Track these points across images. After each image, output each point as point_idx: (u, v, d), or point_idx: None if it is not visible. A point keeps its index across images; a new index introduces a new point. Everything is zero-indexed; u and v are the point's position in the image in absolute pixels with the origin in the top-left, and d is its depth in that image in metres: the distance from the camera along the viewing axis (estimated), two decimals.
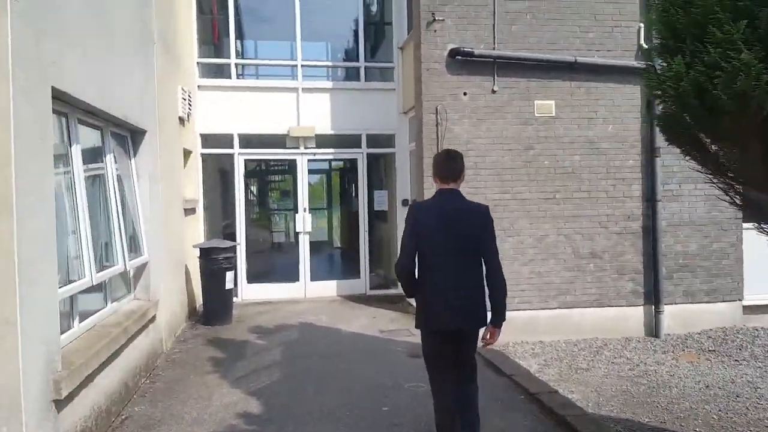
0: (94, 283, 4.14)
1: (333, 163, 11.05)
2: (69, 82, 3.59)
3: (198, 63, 8.40)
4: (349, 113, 8.78)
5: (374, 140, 8.97)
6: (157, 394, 4.87)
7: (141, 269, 5.51)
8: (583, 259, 7.88)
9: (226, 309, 7.11)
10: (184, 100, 7.26)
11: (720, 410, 4.96)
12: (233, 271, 7.14)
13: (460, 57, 7.34)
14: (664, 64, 2.98)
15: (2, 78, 2.79)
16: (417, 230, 3.11)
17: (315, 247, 9.48)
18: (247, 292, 8.47)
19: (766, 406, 5.03)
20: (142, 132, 5.49)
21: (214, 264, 6.96)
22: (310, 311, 7.82)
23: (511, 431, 4.25)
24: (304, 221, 8.58)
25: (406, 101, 8.67)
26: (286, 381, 5.08)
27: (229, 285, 7.05)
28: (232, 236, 8.47)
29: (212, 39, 9.14)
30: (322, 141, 8.83)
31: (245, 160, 8.54)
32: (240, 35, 9.21)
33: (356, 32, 8.95)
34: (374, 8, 9.53)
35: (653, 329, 7.94)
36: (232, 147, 8.50)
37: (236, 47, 8.58)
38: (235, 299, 8.30)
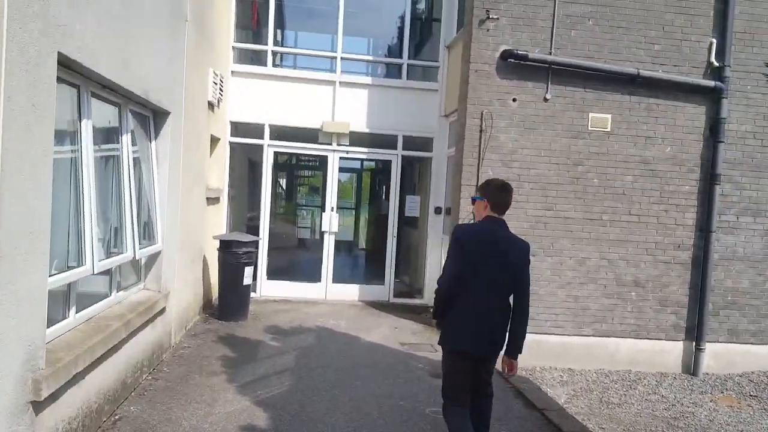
0: (96, 272, 3.73)
1: (365, 163, 10.61)
2: (80, 50, 3.18)
3: (233, 48, 8.02)
4: (386, 112, 8.27)
5: (411, 142, 8.44)
6: (157, 393, 4.46)
7: (153, 258, 5.12)
8: (625, 287, 7.22)
9: (242, 305, 6.70)
10: (215, 84, 6.87)
11: None
12: (253, 267, 6.72)
13: (512, 60, 6.76)
14: None
15: None
16: (465, 251, 3.11)
17: (340, 248, 9.03)
18: (266, 289, 8.05)
19: None
20: (166, 113, 5.10)
21: (233, 258, 6.54)
22: (329, 315, 7.35)
23: None
24: (330, 220, 8.12)
25: (448, 104, 8.12)
26: (298, 393, 4.60)
27: (247, 281, 6.63)
28: (255, 229, 8.07)
29: (251, 24, 8.76)
30: (355, 139, 8.35)
31: (275, 153, 8.12)
32: (280, 23, 8.82)
33: (401, 28, 8.43)
34: (422, 4, 9.00)
35: (691, 367, 7.28)
36: (262, 138, 8.09)
37: (274, 35, 8.17)
38: (252, 295, 7.88)
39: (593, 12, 6.95)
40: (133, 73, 4.10)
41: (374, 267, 8.67)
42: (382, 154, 8.37)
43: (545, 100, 7.03)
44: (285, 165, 10.12)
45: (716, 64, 7.13)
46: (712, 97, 7.23)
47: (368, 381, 5.00)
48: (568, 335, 7.12)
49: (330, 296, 8.13)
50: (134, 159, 4.71)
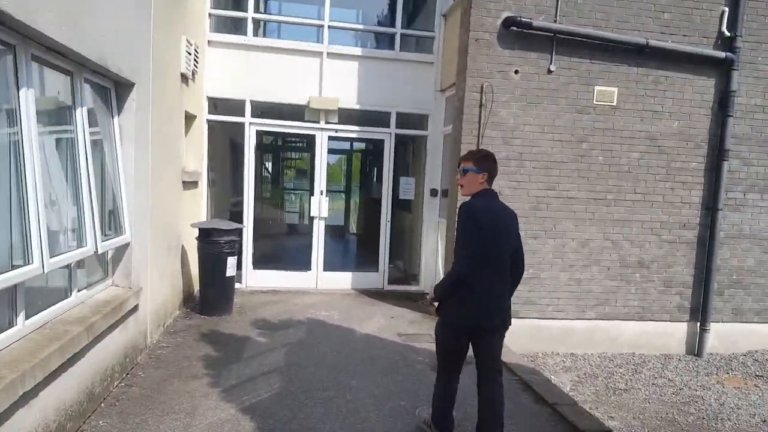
0: (46, 271, 3.10)
1: (356, 143, 9.95)
2: (15, 1, 2.50)
3: (210, 15, 7.24)
4: (378, 86, 7.61)
5: (405, 120, 7.80)
6: (130, 403, 3.87)
7: (121, 251, 4.47)
8: (629, 268, 6.78)
9: (226, 298, 6.08)
10: (189, 54, 6.14)
11: None
12: (236, 256, 6.09)
13: (515, 28, 6.15)
14: None
15: None
16: (481, 229, 3.02)
17: (330, 234, 8.43)
18: (253, 279, 7.43)
19: None
20: (129, 85, 4.40)
21: (214, 247, 5.91)
22: (321, 305, 6.78)
23: None
24: (320, 205, 7.49)
25: (445, 77, 7.49)
26: (288, 396, 4.04)
27: (230, 272, 6.01)
28: (239, 216, 7.42)
29: None
30: (345, 116, 7.69)
31: (257, 132, 7.41)
32: None
33: None
34: None
35: (695, 347, 6.94)
36: (243, 115, 7.38)
37: (256, 1, 7.40)
38: (238, 285, 7.28)
39: None
40: (86, 35, 3.40)
41: (367, 253, 8.10)
42: (374, 132, 7.72)
43: (549, 71, 6.45)
44: (270, 146, 9.41)
45: (727, 34, 6.61)
46: (722, 69, 6.73)
47: (365, 379, 4.47)
48: (570, 319, 6.69)
49: (321, 285, 7.55)
50: (93, 138, 4.03)
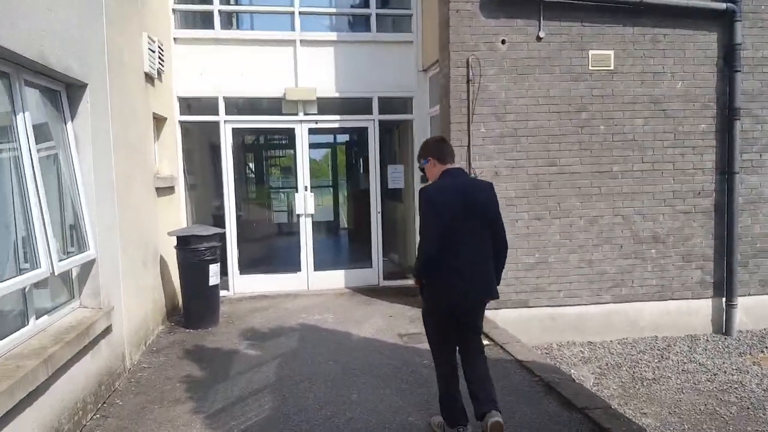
0: None
1: (339, 134, 9.65)
2: None
3: (174, 10, 6.92)
4: (357, 72, 7.30)
5: (388, 105, 7.49)
6: None
7: (87, 268, 4.18)
8: (644, 244, 6.51)
9: (211, 308, 5.80)
10: (153, 52, 5.83)
11: None
12: (219, 263, 5.81)
13: None
14: None
15: None
16: (438, 211, 3.07)
17: (319, 231, 8.15)
18: (240, 285, 7.16)
19: None
20: (82, 86, 4.09)
21: (194, 256, 5.62)
22: (313, 308, 6.51)
23: None
24: (305, 202, 7.20)
25: (426, 56, 7.18)
26: (281, 419, 3.74)
27: (213, 280, 5.73)
28: (222, 219, 7.14)
29: None
30: (325, 106, 7.38)
31: (233, 129, 7.11)
32: None
33: None
34: None
35: (723, 325, 6.65)
36: (216, 113, 7.07)
37: None
38: (225, 293, 7.02)
39: None
40: (19, 29, 3.10)
41: (360, 248, 7.82)
42: (356, 120, 7.42)
43: (538, 39, 6.15)
44: (249, 144, 9.12)
45: None
46: (724, 22, 6.42)
47: (367, 392, 4.18)
48: (584, 305, 6.42)
49: (313, 286, 7.27)
50: (44, 147, 3.73)
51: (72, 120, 4.11)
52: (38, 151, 3.61)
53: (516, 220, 6.24)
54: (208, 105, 7.12)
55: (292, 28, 7.18)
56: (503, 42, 6.09)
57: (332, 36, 7.25)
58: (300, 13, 7.13)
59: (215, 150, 7.24)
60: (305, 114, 7.21)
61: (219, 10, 7.05)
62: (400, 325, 5.89)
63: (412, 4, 7.39)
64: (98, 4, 4.38)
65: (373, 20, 7.37)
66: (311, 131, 7.29)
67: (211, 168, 7.72)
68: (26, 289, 3.37)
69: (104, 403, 4.05)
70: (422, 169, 3.36)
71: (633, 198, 6.46)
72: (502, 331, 5.52)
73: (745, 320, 6.66)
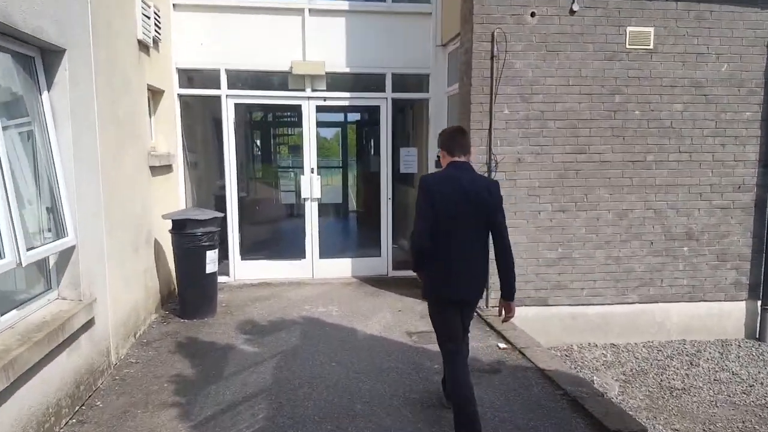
0: None
1: (349, 113, 9.11)
2: None
3: None
4: (369, 45, 6.74)
5: (402, 82, 6.94)
6: None
7: (66, 256, 3.76)
8: (676, 241, 5.99)
9: (208, 297, 5.40)
10: (148, 18, 5.33)
11: None
12: (217, 250, 5.38)
13: None
14: None
15: None
16: (433, 203, 3.03)
17: (326, 215, 7.70)
18: (241, 271, 6.75)
19: None
20: (59, 51, 3.62)
21: (190, 241, 5.20)
22: (318, 298, 6.09)
23: None
24: (311, 185, 6.72)
25: (446, 29, 6.59)
26: None
27: (211, 268, 5.31)
28: (224, 200, 6.70)
29: None
30: (334, 82, 6.86)
31: (236, 105, 6.61)
32: None
33: None
34: None
35: (757, 330, 6.17)
36: (218, 87, 6.57)
37: None
38: (226, 279, 6.62)
39: None
40: None
41: (368, 236, 7.36)
42: (367, 98, 6.87)
43: (572, 12, 5.56)
44: (252, 120, 8.61)
45: None
46: None
47: (372, 403, 3.74)
48: (609, 304, 5.95)
49: (318, 274, 6.85)
50: (13, 122, 3.29)
51: (48, 90, 3.64)
52: (6, 125, 3.16)
53: (539, 211, 5.74)
54: (209, 78, 6.62)
55: None
56: (532, 15, 5.51)
57: (344, 5, 6.68)
58: None
59: (218, 126, 6.76)
60: (313, 90, 6.69)
61: None
62: (410, 321, 5.46)
63: None
64: None
65: None
66: (319, 109, 6.78)
67: (213, 146, 7.25)
68: None
69: (83, 405, 3.67)
70: (438, 159, 3.36)
71: (667, 191, 5.92)
72: (520, 333, 5.07)
73: None
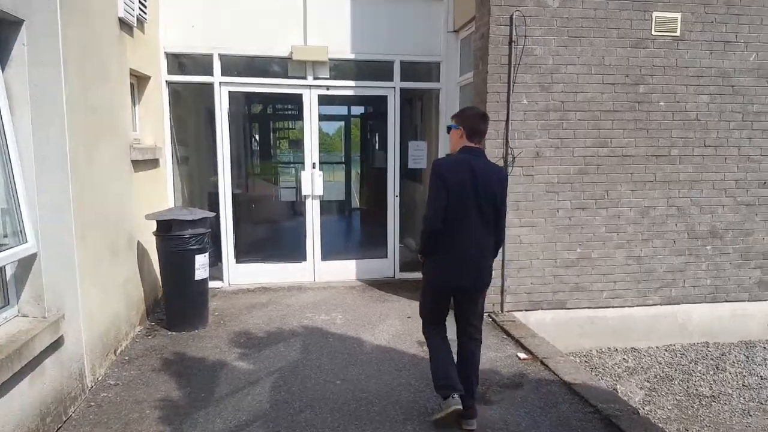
0: None
1: (353, 102, 8.35)
2: None
3: None
4: (376, 30, 6.02)
5: (411, 70, 6.21)
6: None
7: (26, 266, 3.04)
8: (699, 240, 5.38)
9: (199, 307, 4.68)
10: None
11: None
12: (207, 254, 4.66)
13: None
14: None
15: None
16: (446, 187, 2.85)
17: (328, 214, 6.98)
18: (237, 275, 6.02)
19: None
20: (15, 22, 2.88)
21: (176, 244, 4.47)
22: (320, 305, 5.39)
23: None
24: (312, 181, 6.00)
25: (459, 13, 5.87)
26: None
27: (200, 274, 4.59)
28: (217, 198, 5.96)
29: None
30: (338, 69, 6.13)
31: (230, 93, 5.86)
32: None
33: None
34: None
35: None
36: (211, 73, 5.81)
37: None
38: (219, 284, 5.91)
39: None
40: None
41: (374, 235, 6.65)
42: (374, 87, 6.14)
43: None
44: (249, 111, 7.85)
45: None
46: None
47: (383, 430, 3.10)
48: (629, 306, 5.33)
49: (320, 278, 6.14)
50: None
51: (2, 68, 2.90)
52: None
53: (557, 209, 5.08)
54: (201, 63, 5.86)
55: None
56: None
57: None
58: None
59: (211, 117, 6.01)
60: (315, 78, 5.96)
61: None
62: (420, 329, 4.77)
63: None
64: None
65: None
66: (322, 99, 6.04)
67: (207, 139, 6.50)
68: None
69: None
70: (449, 130, 3.13)
71: (691, 186, 5.29)
72: (540, 341, 4.42)
73: None
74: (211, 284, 5.72)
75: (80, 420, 3.20)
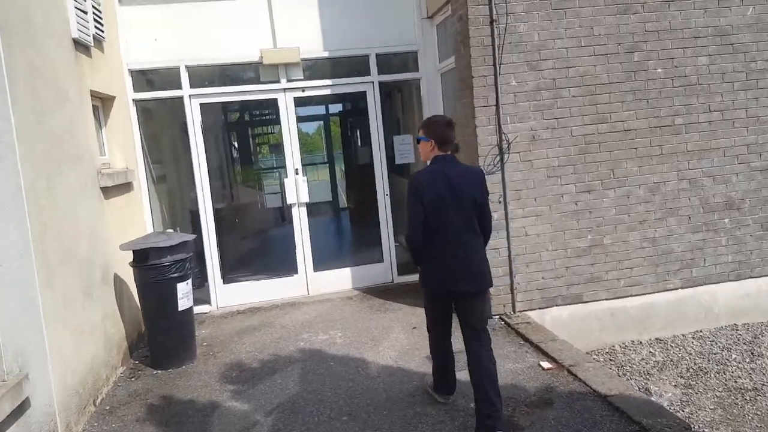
0: None
1: (331, 101, 7.94)
2: None
3: None
4: (348, 24, 5.62)
5: (388, 63, 5.83)
6: None
7: None
8: (715, 213, 5.03)
9: (184, 340, 4.29)
10: (84, 13, 4.18)
11: None
12: (189, 280, 4.28)
13: None
14: None
15: None
16: (422, 199, 2.91)
17: (316, 221, 6.60)
18: (224, 297, 5.63)
19: None
20: None
21: (155, 274, 4.09)
22: (317, 322, 5.01)
23: None
24: (297, 188, 5.62)
25: None
26: None
27: (184, 303, 4.21)
28: (198, 216, 5.58)
29: None
30: (312, 69, 5.74)
31: (201, 105, 5.47)
32: None
33: None
34: None
35: None
36: (179, 87, 5.41)
37: None
38: (206, 309, 5.55)
39: None
40: None
41: (367, 238, 6.27)
42: (352, 83, 5.74)
43: None
44: (223, 122, 7.46)
45: None
46: None
47: None
48: (649, 293, 4.97)
49: (314, 290, 5.76)
50: None
51: None
52: None
53: (561, 194, 4.72)
54: (168, 77, 5.46)
55: None
56: None
57: None
58: None
59: (185, 132, 5.61)
60: (288, 80, 5.57)
61: None
62: (427, 341, 4.41)
63: None
64: None
65: None
66: (298, 101, 5.66)
67: (183, 154, 6.11)
68: None
69: None
70: (418, 141, 3.11)
71: (700, 156, 4.93)
72: (563, 346, 4.03)
73: None
74: (198, 309, 5.40)
75: None
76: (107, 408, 3.67)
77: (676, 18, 4.78)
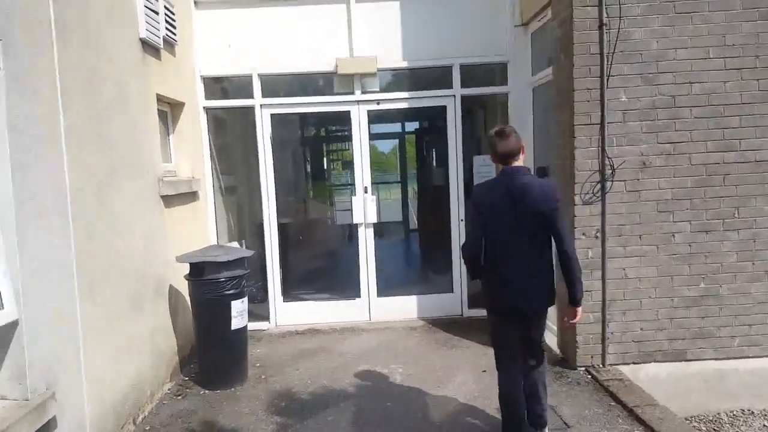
0: None
1: (407, 116, 7.53)
2: None
3: None
4: (430, 32, 5.18)
5: (472, 74, 5.30)
6: None
7: (5, 338, 2.43)
8: None
9: (236, 360, 3.96)
10: (155, 13, 4.05)
11: None
12: (244, 298, 3.95)
13: None
14: None
15: None
16: (481, 212, 2.81)
17: (384, 243, 6.14)
18: (284, 315, 5.30)
19: None
20: None
21: (210, 290, 3.80)
22: (377, 352, 4.52)
23: None
24: (365, 207, 5.21)
25: (527, 2, 4.91)
26: None
27: (237, 322, 3.89)
28: (262, 231, 5.32)
29: None
30: (388, 80, 5.35)
31: (272, 116, 5.22)
32: None
33: None
34: None
35: None
36: (251, 96, 5.21)
37: None
38: (265, 325, 5.24)
39: None
40: None
41: (436, 266, 5.72)
42: (430, 97, 5.27)
43: None
44: (296, 132, 7.25)
45: None
46: None
47: None
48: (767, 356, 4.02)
49: (376, 316, 5.29)
50: None
51: None
52: None
53: (672, 233, 3.94)
54: (240, 86, 5.28)
55: None
56: None
57: None
58: None
59: (255, 142, 5.39)
60: (363, 92, 5.21)
61: None
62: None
63: None
64: None
65: None
66: (372, 116, 5.28)
67: (252, 166, 5.91)
68: None
69: None
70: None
71: None
72: (664, 414, 3.26)
73: None
74: (257, 325, 5.12)
75: None
76: (147, 428, 3.37)
77: None
